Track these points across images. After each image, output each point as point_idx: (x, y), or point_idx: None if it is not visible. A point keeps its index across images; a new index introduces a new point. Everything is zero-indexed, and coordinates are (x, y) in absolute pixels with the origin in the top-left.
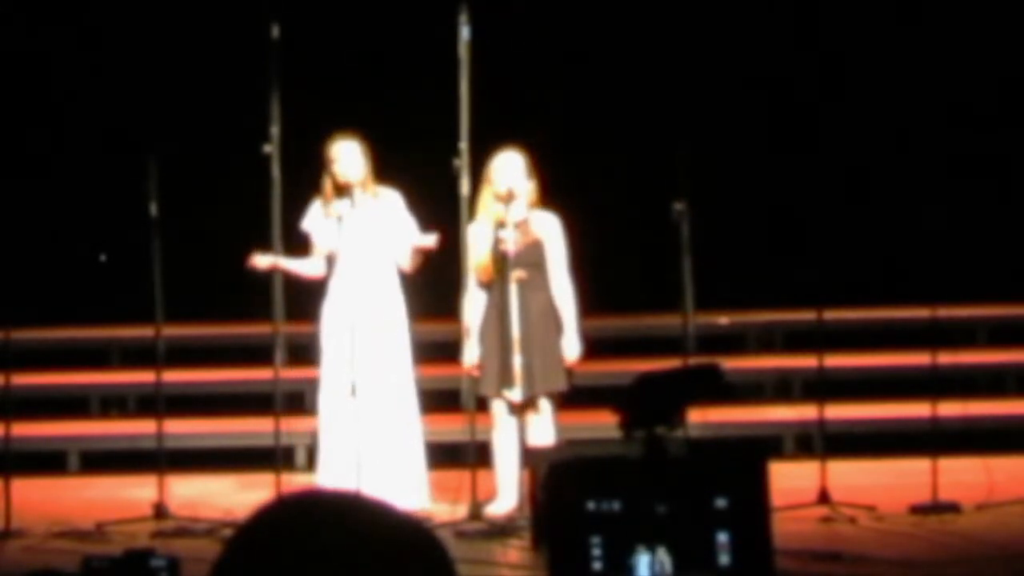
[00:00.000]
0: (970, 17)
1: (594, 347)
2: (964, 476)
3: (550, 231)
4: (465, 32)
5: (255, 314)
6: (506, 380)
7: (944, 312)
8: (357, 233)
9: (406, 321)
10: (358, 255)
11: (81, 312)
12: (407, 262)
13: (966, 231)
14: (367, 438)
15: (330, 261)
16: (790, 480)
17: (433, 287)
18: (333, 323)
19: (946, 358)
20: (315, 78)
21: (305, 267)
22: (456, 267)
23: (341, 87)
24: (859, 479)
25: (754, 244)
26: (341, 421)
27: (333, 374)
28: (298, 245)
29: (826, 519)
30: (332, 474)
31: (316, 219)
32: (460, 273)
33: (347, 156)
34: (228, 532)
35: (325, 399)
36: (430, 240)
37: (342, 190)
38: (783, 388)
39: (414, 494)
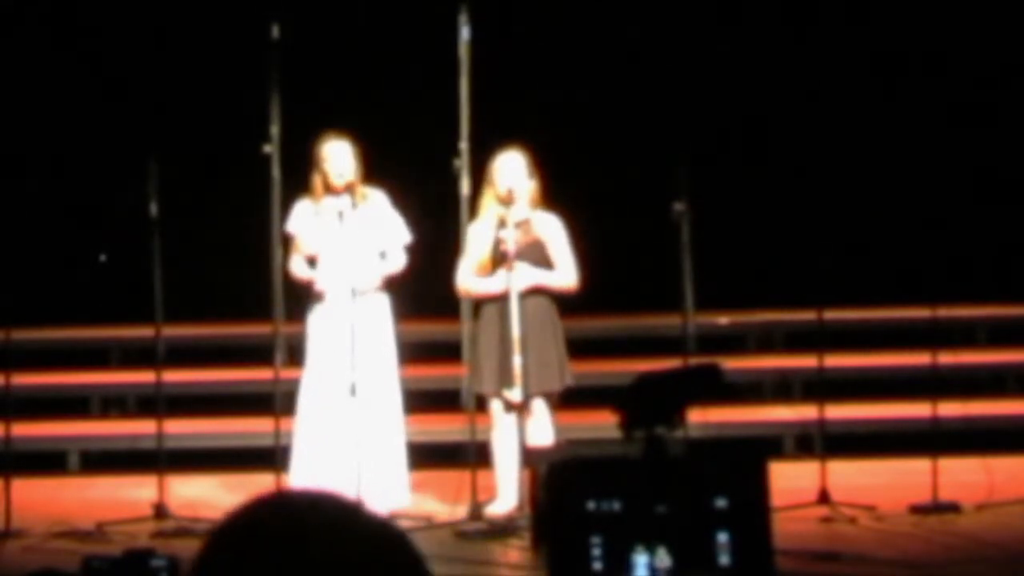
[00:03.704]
0: (966, 16)
1: (594, 347)
2: (964, 476)
3: (552, 231)
4: (465, 32)
5: (255, 314)
6: (506, 380)
7: (944, 312)
8: (348, 233)
9: (391, 321)
10: (346, 255)
11: (81, 312)
12: (398, 267)
13: (966, 231)
14: (351, 438)
15: (311, 263)
16: (790, 480)
17: (433, 287)
18: (319, 323)
19: (946, 358)
20: (315, 78)
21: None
22: (456, 268)
23: (341, 87)
24: (859, 479)
25: (754, 244)
26: (322, 421)
27: (317, 374)
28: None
29: (826, 519)
30: (306, 475)
31: (303, 220)
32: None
33: (340, 156)
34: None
35: (306, 398)
36: (398, 264)
37: (330, 189)
38: (783, 388)
39: (396, 494)
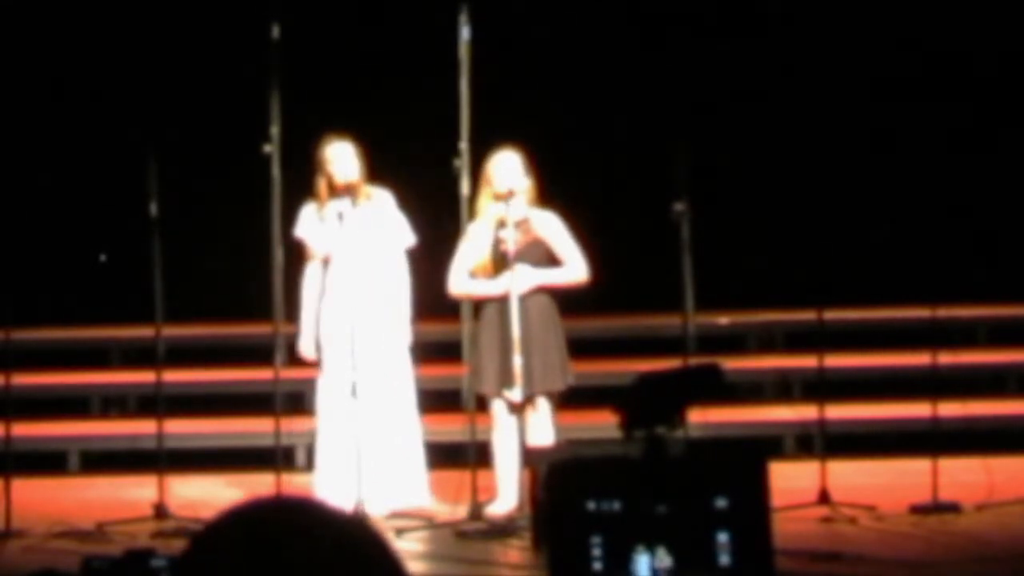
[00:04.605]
0: (968, 16)
1: (594, 347)
2: (964, 476)
3: (552, 229)
4: (465, 32)
5: (255, 314)
6: (506, 380)
7: (944, 312)
8: (355, 233)
9: (407, 324)
10: (355, 255)
11: (81, 312)
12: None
13: (966, 231)
14: (367, 439)
15: (324, 264)
16: (790, 480)
17: (433, 287)
18: (332, 324)
19: (946, 358)
20: (315, 78)
21: (314, 302)
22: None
23: (341, 87)
24: (859, 479)
25: (754, 244)
26: (340, 422)
27: (333, 375)
28: (295, 248)
29: (826, 519)
30: (330, 475)
31: (310, 223)
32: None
33: (343, 157)
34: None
35: (324, 400)
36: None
37: (335, 191)
38: (783, 388)
39: (415, 494)
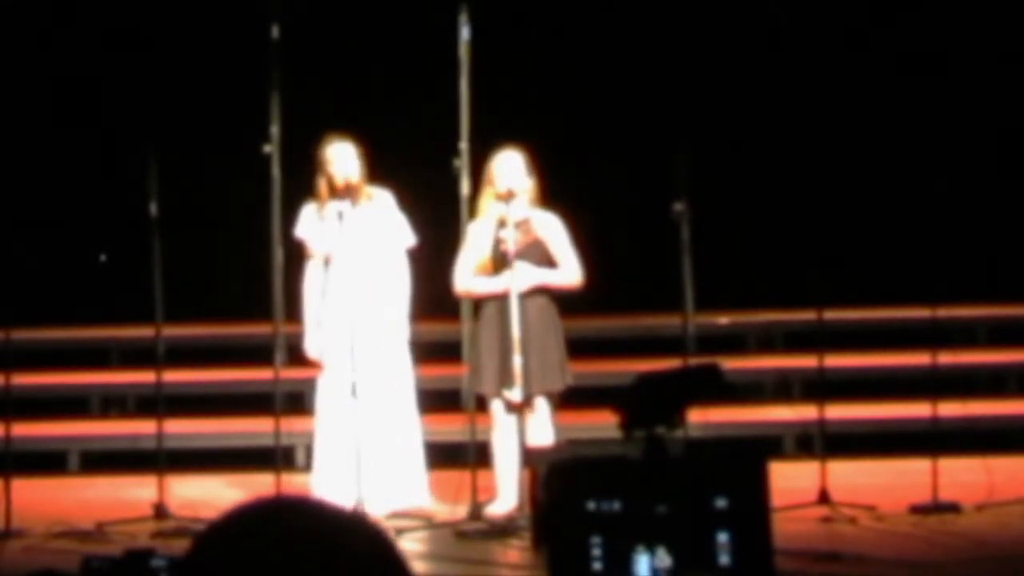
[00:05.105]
0: (965, 14)
1: (594, 347)
2: (964, 476)
3: (552, 230)
4: (465, 32)
5: (255, 314)
6: (506, 380)
7: (944, 312)
8: (355, 233)
9: (405, 321)
10: (356, 255)
11: (81, 312)
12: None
13: (966, 231)
14: (366, 439)
15: (325, 264)
16: (790, 480)
17: (433, 287)
18: (331, 324)
19: (946, 358)
20: (315, 78)
21: (317, 302)
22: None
23: (341, 87)
24: (859, 479)
25: (754, 244)
26: (339, 421)
27: (332, 374)
28: (295, 248)
29: (826, 519)
30: (328, 475)
31: (310, 223)
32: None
33: (343, 157)
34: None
35: (323, 399)
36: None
37: (335, 192)
38: (783, 388)
39: (414, 494)
